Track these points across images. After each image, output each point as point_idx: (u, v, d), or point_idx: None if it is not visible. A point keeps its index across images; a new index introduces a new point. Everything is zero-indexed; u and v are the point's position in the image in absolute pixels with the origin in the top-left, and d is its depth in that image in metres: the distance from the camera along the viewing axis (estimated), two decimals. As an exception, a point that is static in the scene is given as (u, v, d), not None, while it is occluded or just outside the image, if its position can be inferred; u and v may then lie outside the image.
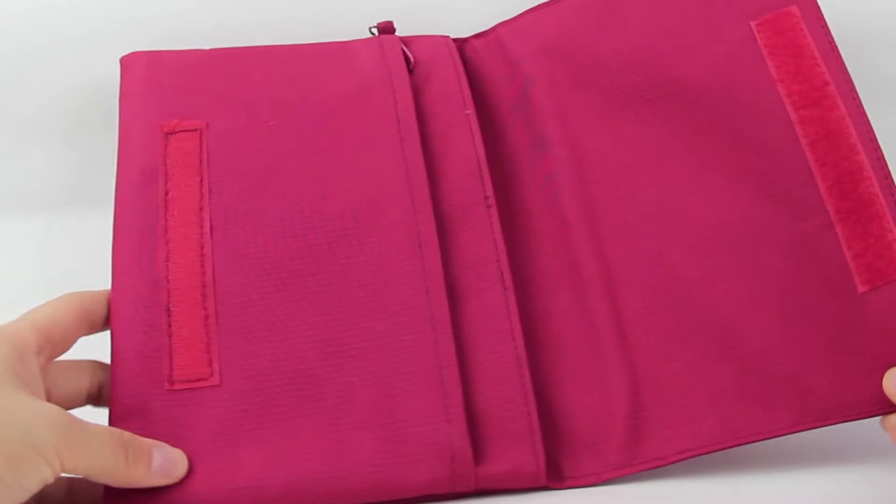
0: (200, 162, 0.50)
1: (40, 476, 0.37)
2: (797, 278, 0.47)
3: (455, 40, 0.57)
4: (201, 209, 0.48)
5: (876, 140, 0.48)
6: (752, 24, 0.51)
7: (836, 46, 0.50)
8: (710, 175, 0.50)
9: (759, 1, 0.52)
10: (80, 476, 0.39)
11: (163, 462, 0.42)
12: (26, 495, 0.37)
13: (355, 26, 0.56)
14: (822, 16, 0.51)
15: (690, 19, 0.53)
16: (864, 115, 0.48)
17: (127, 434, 0.41)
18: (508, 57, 0.56)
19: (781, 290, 0.48)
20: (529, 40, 0.56)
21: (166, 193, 0.49)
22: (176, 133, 0.50)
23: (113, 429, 0.41)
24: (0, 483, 0.36)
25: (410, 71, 0.54)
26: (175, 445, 0.43)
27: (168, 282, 0.46)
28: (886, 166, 0.47)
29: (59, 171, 0.62)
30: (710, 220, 0.50)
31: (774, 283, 0.48)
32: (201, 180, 0.49)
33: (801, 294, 0.47)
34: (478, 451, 0.45)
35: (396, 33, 0.56)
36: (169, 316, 0.46)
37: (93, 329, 0.46)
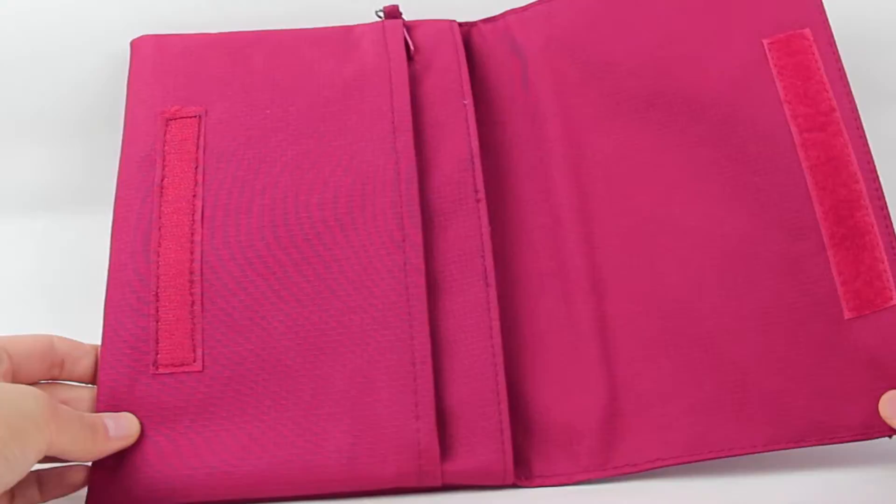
0: (197, 149, 0.51)
1: (38, 448, 0.39)
2: (784, 298, 0.47)
3: (462, 24, 0.56)
4: (194, 196, 0.50)
5: (875, 171, 0.47)
6: (765, 42, 0.51)
7: (845, 74, 0.49)
8: (707, 187, 0.50)
9: (772, 19, 0.51)
10: (56, 454, 0.42)
11: (117, 427, 0.45)
12: (28, 467, 0.39)
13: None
14: (834, 41, 0.50)
15: (703, 30, 0.52)
16: (866, 145, 0.48)
17: (78, 411, 0.43)
18: (515, 46, 0.55)
19: (767, 309, 0.47)
20: (538, 31, 0.55)
21: (162, 180, 0.50)
22: (176, 119, 0.51)
23: (69, 408, 0.43)
24: (8, 454, 0.38)
25: (410, 58, 0.54)
26: (156, 428, 0.46)
27: (158, 267, 0.48)
28: (884, 198, 0.47)
29: (59, 171, 0.62)
30: (704, 232, 0.49)
31: (761, 300, 0.47)
32: (196, 167, 0.50)
33: (787, 314, 0.47)
34: (446, 447, 0.46)
35: (404, 16, 0.56)
36: (157, 301, 0.48)
37: (56, 369, 0.47)
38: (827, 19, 0.50)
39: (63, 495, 0.45)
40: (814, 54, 0.50)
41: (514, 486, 0.47)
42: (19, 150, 0.62)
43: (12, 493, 0.43)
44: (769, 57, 0.50)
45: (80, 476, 0.45)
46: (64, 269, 0.61)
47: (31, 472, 0.44)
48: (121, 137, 0.53)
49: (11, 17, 0.59)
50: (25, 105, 0.61)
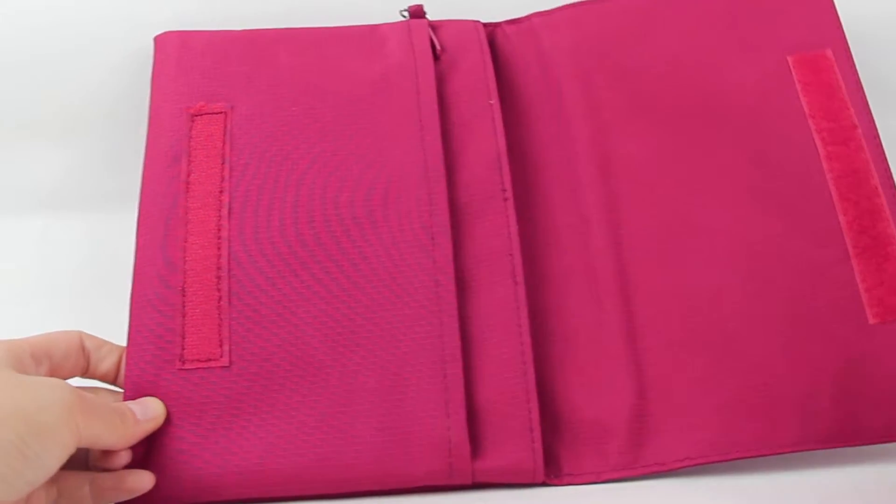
0: (223, 145, 0.50)
1: (64, 442, 0.39)
2: (809, 302, 0.48)
3: (486, 25, 0.57)
4: (221, 192, 0.49)
5: (895, 187, 0.49)
6: (789, 58, 0.52)
7: (864, 94, 0.51)
8: (733, 193, 0.51)
9: (795, 38, 0.53)
10: (88, 444, 0.41)
11: (144, 411, 0.44)
12: (55, 464, 0.38)
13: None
14: (854, 64, 0.51)
15: (729, 41, 0.54)
16: (885, 161, 0.50)
17: (104, 400, 0.43)
18: (542, 48, 0.56)
19: (793, 312, 0.48)
20: (566, 35, 0.56)
21: (188, 175, 0.50)
22: (201, 115, 0.51)
23: (95, 396, 0.43)
24: (28, 452, 0.37)
25: (437, 58, 0.54)
26: (183, 424, 0.45)
27: (185, 262, 0.48)
28: None
29: (59, 171, 0.62)
30: (730, 234, 0.50)
31: (787, 303, 0.48)
32: (223, 163, 0.50)
33: (813, 317, 0.48)
34: (477, 445, 0.46)
35: (427, 16, 0.56)
36: (184, 296, 0.47)
37: (88, 368, 0.46)
38: (847, 42, 0.52)
39: (119, 500, 0.44)
40: (835, 73, 0.52)
41: (544, 484, 0.46)
42: (19, 150, 0.61)
43: (58, 491, 0.42)
44: (793, 73, 0.52)
45: (142, 481, 0.44)
46: (63, 270, 0.60)
47: (83, 473, 0.43)
48: (139, 134, 0.52)
49: (11, 17, 0.59)
50: (25, 105, 0.60)
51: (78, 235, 0.61)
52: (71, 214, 0.62)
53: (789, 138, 0.51)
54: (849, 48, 0.52)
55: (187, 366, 0.46)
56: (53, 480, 0.41)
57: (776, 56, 0.53)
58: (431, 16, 0.56)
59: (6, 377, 0.39)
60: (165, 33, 0.55)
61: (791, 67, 0.52)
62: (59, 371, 0.44)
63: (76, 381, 0.46)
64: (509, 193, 0.50)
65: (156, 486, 0.44)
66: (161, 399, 0.45)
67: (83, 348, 0.46)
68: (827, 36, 0.53)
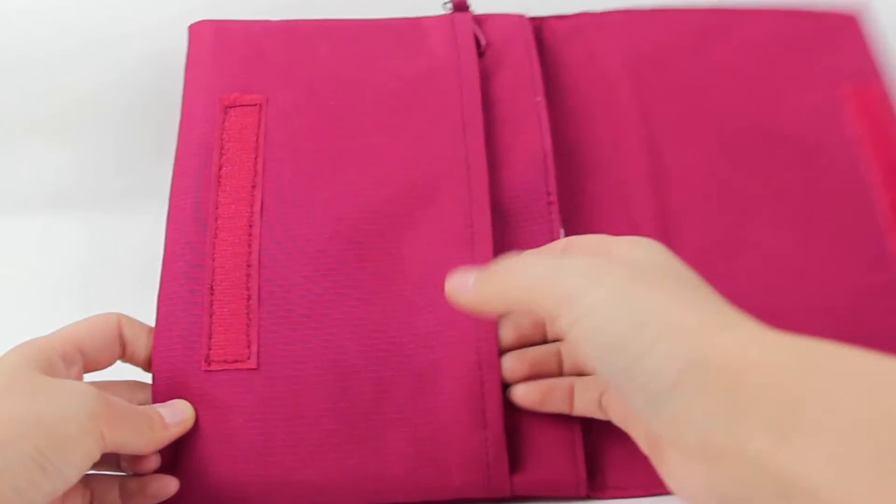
0: (257, 138, 0.49)
1: (87, 451, 0.37)
2: (860, 326, 0.47)
3: (532, 19, 0.55)
4: (253, 187, 0.47)
5: None
6: (843, 88, 0.54)
7: None
8: (785, 214, 0.50)
9: (849, 68, 0.55)
10: (114, 449, 0.39)
11: (172, 414, 0.42)
12: (77, 474, 0.37)
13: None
14: None
15: (785, 64, 0.54)
16: None
17: (131, 404, 0.41)
18: (594, 49, 0.55)
19: (845, 336, 0.45)
20: (618, 39, 0.55)
21: (220, 169, 0.48)
22: (235, 107, 0.49)
23: (122, 400, 0.41)
24: (47, 465, 0.35)
25: (481, 54, 0.52)
26: (209, 428, 0.43)
27: (214, 259, 0.46)
28: None
29: (59, 171, 0.61)
30: (781, 257, 0.49)
31: (839, 327, 0.45)
32: (256, 157, 0.48)
33: (864, 342, 0.45)
34: (516, 457, 0.43)
35: (471, 9, 0.54)
36: (212, 294, 0.45)
37: (127, 355, 0.45)
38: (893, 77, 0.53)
39: None
40: (887, 104, 0.53)
41: (588, 497, 0.44)
42: (19, 150, 0.61)
43: (91, 494, 0.41)
44: (847, 102, 0.53)
45: (166, 486, 0.42)
46: (63, 270, 0.59)
47: (114, 476, 0.42)
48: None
49: (11, 17, 0.58)
50: (25, 105, 0.60)
51: (78, 235, 0.60)
52: (71, 214, 0.61)
53: (844, 165, 0.51)
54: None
55: (213, 367, 0.44)
56: (86, 483, 0.40)
57: (830, 84, 0.54)
58: (474, 9, 0.54)
59: (30, 384, 0.38)
60: (200, 22, 0.53)
61: (844, 97, 0.53)
62: (94, 365, 0.43)
63: (115, 367, 0.44)
64: (554, 197, 0.48)
65: (181, 492, 0.42)
66: (189, 401, 0.43)
67: (120, 336, 0.44)
68: (878, 67, 0.54)
